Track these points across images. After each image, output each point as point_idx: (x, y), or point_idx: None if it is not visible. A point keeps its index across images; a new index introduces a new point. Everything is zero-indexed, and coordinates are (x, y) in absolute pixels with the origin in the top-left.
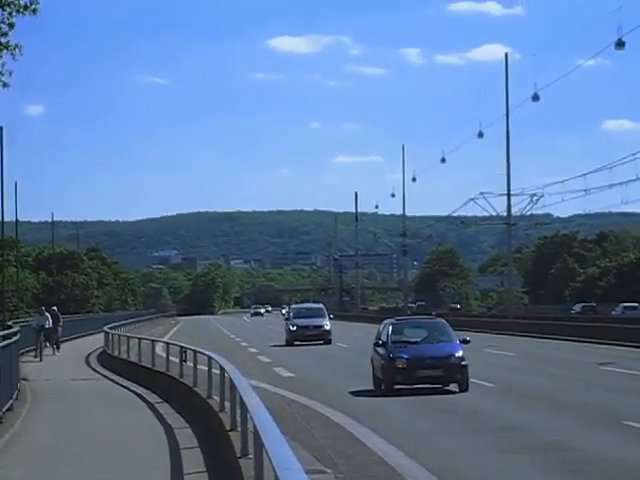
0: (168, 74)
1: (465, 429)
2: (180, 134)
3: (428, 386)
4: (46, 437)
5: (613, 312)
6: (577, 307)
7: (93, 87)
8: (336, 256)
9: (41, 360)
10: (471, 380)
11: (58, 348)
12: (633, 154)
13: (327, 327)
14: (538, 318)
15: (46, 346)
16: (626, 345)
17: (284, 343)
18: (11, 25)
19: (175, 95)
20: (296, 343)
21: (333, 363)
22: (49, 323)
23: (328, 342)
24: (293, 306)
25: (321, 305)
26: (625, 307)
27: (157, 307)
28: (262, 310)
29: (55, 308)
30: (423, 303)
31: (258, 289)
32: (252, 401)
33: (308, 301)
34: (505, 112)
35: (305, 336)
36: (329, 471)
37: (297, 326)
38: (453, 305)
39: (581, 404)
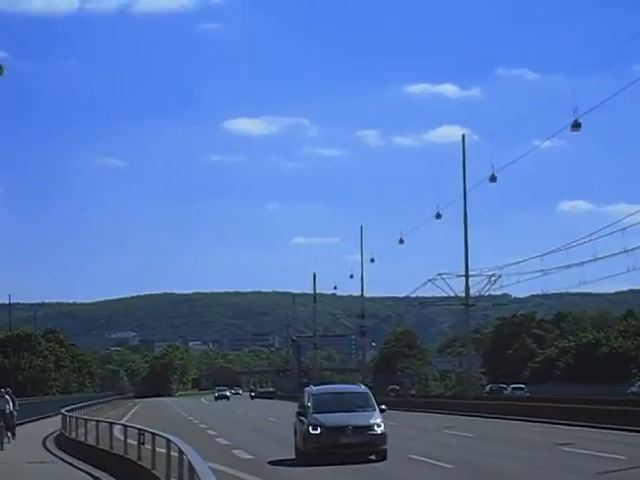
0: (124, 155)
1: None
2: (137, 215)
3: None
4: None
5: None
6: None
7: (55, 169)
8: (294, 337)
9: (2, 449)
10: (430, 461)
11: (14, 435)
12: (589, 235)
13: (378, 429)
14: (498, 399)
15: (7, 435)
16: (584, 426)
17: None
18: None
19: (132, 176)
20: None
21: (291, 445)
22: (9, 407)
23: (382, 458)
24: (314, 389)
25: (364, 388)
26: (514, 388)
27: (115, 389)
28: (228, 392)
29: (9, 390)
30: (397, 387)
31: (216, 370)
32: None
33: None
34: (463, 193)
35: (340, 446)
36: None
37: (323, 427)
38: (392, 386)
39: None
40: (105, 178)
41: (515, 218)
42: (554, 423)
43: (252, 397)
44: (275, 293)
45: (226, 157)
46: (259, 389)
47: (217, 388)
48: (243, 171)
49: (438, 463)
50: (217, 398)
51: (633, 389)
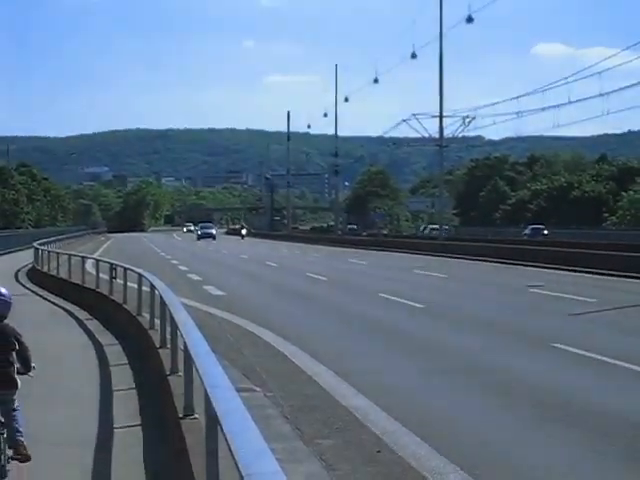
0: None
1: (396, 349)
2: (112, 52)
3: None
4: None
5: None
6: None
7: (27, 7)
8: (268, 175)
9: None
10: (400, 300)
11: None
12: (565, 78)
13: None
14: (469, 240)
15: None
16: (553, 268)
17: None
18: None
19: (108, 13)
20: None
21: (262, 282)
22: None
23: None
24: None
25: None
26: (533, 228)
27: (87, 224)
28: (213, 230)
29: None
30: (355, 227)
31: (189, 207)
32: (182, 318)
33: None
34: (439, 34)
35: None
36: (258, 389)
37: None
38: (350, 226)
39: (511, 326)
40: (78, 15)
41: (491, 60)
42: (525, 265)
43: (243, 236)
44: (249, 131)
45: None
46: (231, 226)
47: (200, 225)
48: (218, 8)
49: (408, 302)
50: (200, 237)
51: (526, 231)
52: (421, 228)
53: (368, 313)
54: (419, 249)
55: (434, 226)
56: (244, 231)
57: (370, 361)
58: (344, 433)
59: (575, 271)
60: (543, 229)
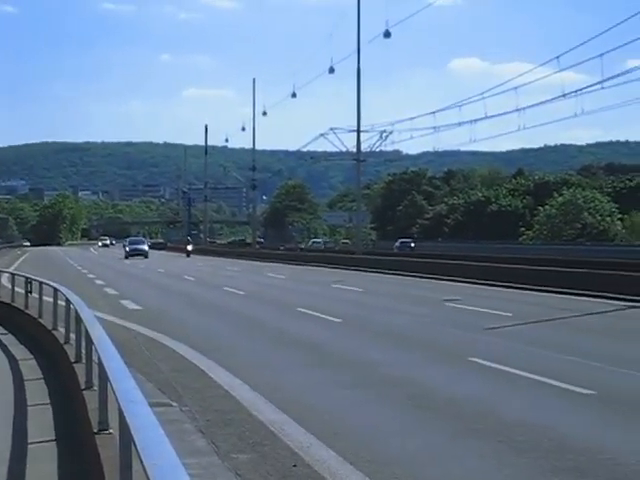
0: (17, 2)
1: (312, 363)
2: (29, 63)
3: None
4: None
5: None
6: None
7: None
8: (185, 189)
9: None
10: (318, 315)
11: None
12: (481, 93)
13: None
14: (386, 254)
15: None
16: (471, 282)
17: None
18: None
19: (25, 24)
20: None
21: (180, 296)
22: None
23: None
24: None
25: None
26: (402, 242)
27: (3, 237)
28: (108, 241)
29: None
30: (262, 240)
31: (106, 221)
32: (97, 333)
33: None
34: (357, 48)
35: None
36: (174, 404)
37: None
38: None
39: (427, 340)
40: None
41: (408, 75)
42: (441, 279)
43: (189, 253)
44: (167, 144)
45: (119, 6)
46: (150, 240)
47: (129, 240)
48: (136, 21)
49: (326, 316)
50: (129, 254)
51: (396, 244)
52: (309, 242)
53: (286, 327)
54: (337, 263)
55: (317, 240)
56: (190, 247)
57: (286, 375)
58: (260, 447)
59: (492, 285)
60: (410, 242)
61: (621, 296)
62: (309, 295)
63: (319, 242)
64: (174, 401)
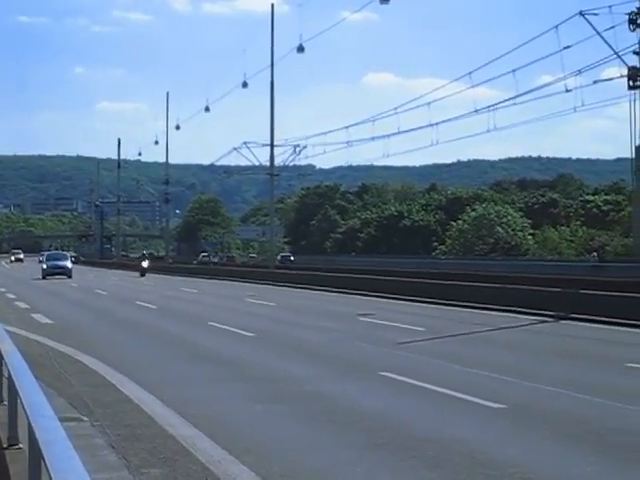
0: None
1: (224, 378)
2: None
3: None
4: None
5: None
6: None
7: None
8: (98, 202)
9: None
10: (230, 329)
11: None
12: (395, 108)
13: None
14: (299, 268)
15: None
16: (384, 296)
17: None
18: None
19: None
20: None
21: (92, 310)
22: None
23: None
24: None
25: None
26: (282, 256)
27: None
28: (22, 255)
29: None
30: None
31: (17, 234)
32: (6, 347)
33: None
34: (270, 62)
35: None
36: (85, 419)
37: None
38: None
39: (340, 354)
40: None
41: (322, 89)
42: (355, 294)
43: (143, 272)
44: (79, 158)
45: (33, 18)
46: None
47: (47, 254)
48: (50, 33)
49: (239, 331)
50: (48, 273)
51: (278, 258)
52: (200, 257)
53: (198, 342)
54: (251, 277)
55: (205, 254)
56: (146, 263)
57: (199, 390)
58: (171, 462)
59: (405, 300)
60: (289, 256)
61: (532, 311)
62: (222, 309)
63: (207, 255)
64: (85, 416)
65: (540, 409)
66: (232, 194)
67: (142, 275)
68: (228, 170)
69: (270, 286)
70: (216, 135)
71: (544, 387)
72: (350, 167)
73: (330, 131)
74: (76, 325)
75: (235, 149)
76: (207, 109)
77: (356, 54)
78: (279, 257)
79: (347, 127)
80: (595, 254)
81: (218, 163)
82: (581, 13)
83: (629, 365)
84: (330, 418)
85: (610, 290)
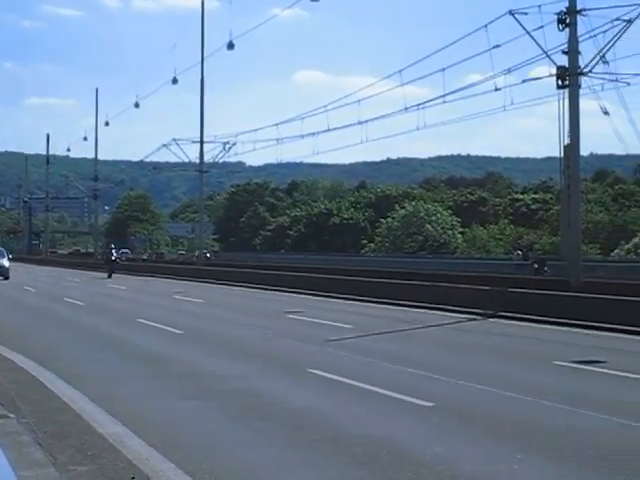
0: None
1: (153, 375)
2: None
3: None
4: None
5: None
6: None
7: None
8: (26, 198)
9: None
10: (159, 326)
11: None
12: (324, 105)
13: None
14: (227, 265)
15: None
16: (313, 294)
17: None
18: None
19: None
20: None
21: (20, 307)
22: None
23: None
24: None
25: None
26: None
27: None
28: (5, 261)
29: None
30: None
31: None
32: None
33: None
34: (200, 59)
35: None
36: (12, 416)
37: None
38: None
39: (269, 352)
40: None
41: (252, 86)
42: (284, 291)
43: (111, 272)
44: (7, 153)
45: None
46: None
47: None
48: None
49: (167, 327)
50: None
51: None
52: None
53: (127, 338)
54: (180, 274)
55: (125, 250)
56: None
57: (127, 387)
58: (99, 459)
59: (334, 297)
60: (206, 253)
61: (461, 309)
62: (150, 306)
63: (127, 252)
64: (12, 413)
65: (469, 407)
66: (161, 190)
67: (109, 276)
68: (157, 166)
69: (199, 283)
70: (146, 131)
71: (473, 385)
72: (280, 164)
73: (260, 128)
74: (3, 322)
75: (165, 145)
76: (137, 105)
77: (286, 51)
78: (197, 253)
79: (277, 124)
80: (519, 252)
81: (148, 159)
82: (511, 12)
83: (557, 363)
84: (259, 415)
85: (535, 288)
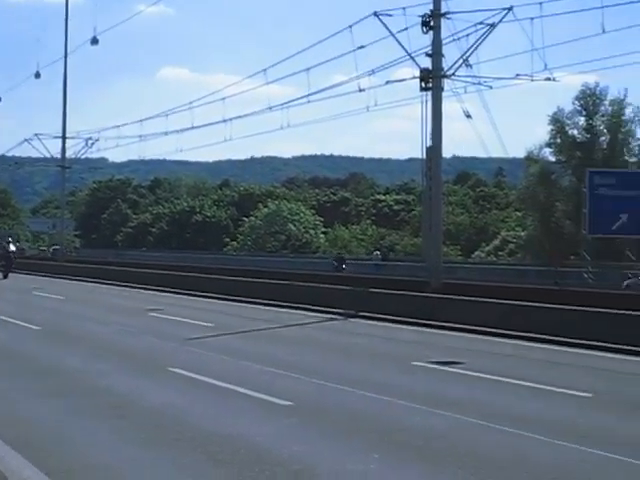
0: None
1: (9, 371)
2: None
3: None
4: None
5: None
6: None
7: None
8: None
9: None
10: (16, 322)
11: None
12: (189, 102)
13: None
14: (88, 262)
15: None
16: (174, 292)
17: None
18: None
19: None
20: None
21: None
22: None
23: None
24: None
25: None
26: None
27: None
28: None
29: None
30: None
31: None
32: None
33: None
34: (64, 54)
35: None
36: None
37: None
38: None
39: (129, 349)
40: None
41: (117, 82)
42: (145, 289)
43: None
44: None
45: None
46: None
47: None
48: None
49: (25, 324)
50: None
51: None
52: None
53: None
54: (38, 270)
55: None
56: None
57: None
58: None
59: (195, 295)
60: (57, 248)
61: (322, 308)
62: (7, 302)
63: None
64: None
65: (327, 407)
66: (23, 185)
67: (5, 277)
68: (19, 161)
69: (59, 279)
70: (7, 126)
71: (332, 385)
72: (143, 161)
73: (123, 124)
74: None
75: (26, 140)
76: None
77: (152, 48)
78: (51, 249)
79: (141, 121)
80: (378, 252)
81: (9, 154)
82: (375, 14)
83: (415, 364)
84: (118, 413)
85: (395, 289)
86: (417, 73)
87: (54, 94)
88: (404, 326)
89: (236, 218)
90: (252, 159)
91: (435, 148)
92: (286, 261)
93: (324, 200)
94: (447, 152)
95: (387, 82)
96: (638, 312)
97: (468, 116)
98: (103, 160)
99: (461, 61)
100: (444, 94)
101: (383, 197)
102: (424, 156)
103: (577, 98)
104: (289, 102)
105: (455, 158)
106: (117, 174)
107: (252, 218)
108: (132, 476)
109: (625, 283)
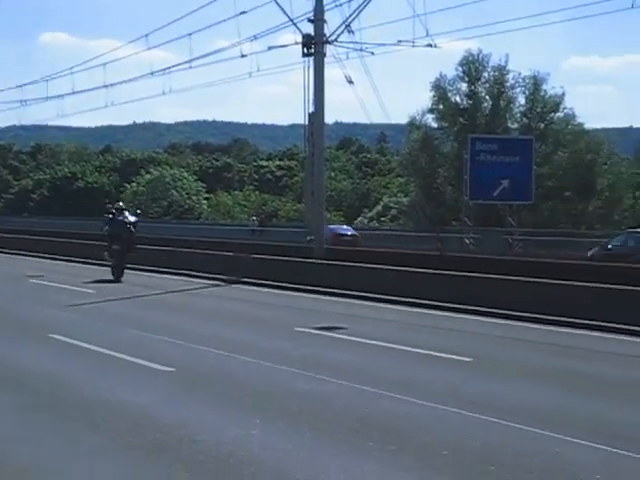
0: None
1: None
2: None
3: None
4: None
5: None
6: None
7: None
8: None
9: None
10: None
11: None
12: (70, 68)
13: None
14: None
15: None
16: (53, 258)
17: None
18: None
19: None
20: None
21: None
22: None
23: None
24: None
25: None
26: None
27: None
28: None
29: None
30: None
31: None
32: None
33: None
34: None
35: None
36: None
37: None
38: None
39: (9, 316)
40: None
41: None
42: (25, 255)
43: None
44: None
45: None
46: None
47: None
48: None
49: None
50: None
51: None
52: None
53: None
54: None
55: None
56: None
57: None
58: None
59: (75, 262)
60: None
61: (205, 274)
62: None
63: None
64: None
65: (209, 373)
66: None
67: None
68: None
69: None
70: None
71: (214, 351)
72: (23, 127)
73: (3, 90)
74: None
75: None
76: None
77: (31, 12)
78: None
79: (21, 86)
80: (254, 218)
81: None
82: None
83: (298, 329)
84: (10, 384)
85: (279, 255)
86: (299, 39)
87: None
88: (288, 292)
89: (118, 184)
90: (134, 125)
91: (317, 114)
92: (172, 227)
93: (207, 166)
94: (330, 118)
95: (269, 48)
96: (520, 277)
97: (350, 82)
98: None
99: (343, 27)
100: (326, 60)
101: (266, 163)
102: (306, 122)
103: (460, 64)
104: (171, 67)
105: (338, 124)
106: None
107: (134, 184)
108: (4, 441)
109: (589, 253)
